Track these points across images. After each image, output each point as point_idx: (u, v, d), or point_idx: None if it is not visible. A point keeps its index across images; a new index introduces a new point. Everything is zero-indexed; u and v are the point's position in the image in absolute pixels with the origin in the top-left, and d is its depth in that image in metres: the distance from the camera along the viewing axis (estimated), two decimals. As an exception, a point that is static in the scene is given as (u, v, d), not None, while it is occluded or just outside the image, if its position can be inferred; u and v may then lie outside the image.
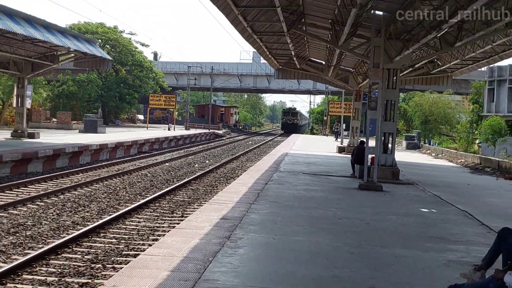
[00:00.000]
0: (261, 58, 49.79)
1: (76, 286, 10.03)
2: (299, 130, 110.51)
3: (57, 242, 12.58)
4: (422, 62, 30.78)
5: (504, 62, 45.41)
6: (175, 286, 7.45)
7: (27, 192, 19.65)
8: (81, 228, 14.25)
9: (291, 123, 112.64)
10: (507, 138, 48.86)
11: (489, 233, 12.07)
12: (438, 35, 20.94)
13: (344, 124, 55.13)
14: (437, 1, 18.62)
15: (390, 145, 23.06)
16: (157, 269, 8.20)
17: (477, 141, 53.81)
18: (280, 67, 44.14)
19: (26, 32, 29.21)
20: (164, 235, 11.96)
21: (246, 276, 8.12)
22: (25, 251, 12.13)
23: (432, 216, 14.87)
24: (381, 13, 21.78)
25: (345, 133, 52.40)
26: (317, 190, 18.61)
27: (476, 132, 55.73)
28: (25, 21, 30.09)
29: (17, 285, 9.86)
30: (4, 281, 9.99)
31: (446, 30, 20.05)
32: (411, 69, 33.03)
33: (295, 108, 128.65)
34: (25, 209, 16.69)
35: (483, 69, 48.79)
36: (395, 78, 22.65)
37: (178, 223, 13.80)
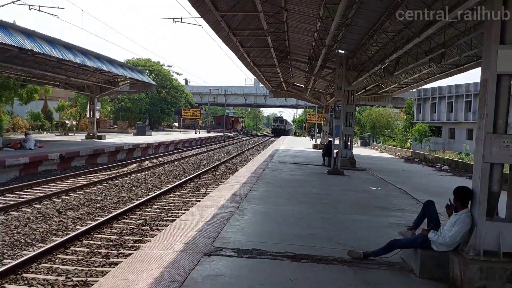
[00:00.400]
0: (260, 83, 49.76)
1: (131, 242, 10.09)
2: (286, 134, 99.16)
3: (118, 211, 12.65)
4: (371, 85, 30.94)
5: (428, 86, 45.96)
6: (201, 242, 7.51)
7: (97, 177, 19.73)
8: (135, 202, 14.29)
9: (279, 128, 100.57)
10: (429, 138, 51.65)
11: (418, 204, 12.12)
12: (382, 67, 21.00)
13: (317, 129, 55.46)
14: (381, 43, 18.65)
15: (349, 143, 23.30)
16: (188, 230, 8.27)
17: (409, 140, 54.40)
18: (273, 89, 44.31)
19: (96, 65, 29.27)
20: (192, 206, 12.02)
21: (249, 234, 8.23)
22: (96, 218, 12.19)
23: (378, 192, 14.93)
24: (342, 51, 21.83)
25: (318, 135, 52.41)
26: (299, 174, 18.71)
27: (408, 134, 56.38)
28: (96, 58, 30.14)
29: (92, 241, 9.92)
30: (82, 238, 10.05)
31: (387, 63, 20.10)
32: (363, 90, 33.16)
33: (282, 117, 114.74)
34: (96, 189, 16.74)
35: (413, 90, 49.02)
36: (352, 97, 22.82)
37: (202, 198, 13.83)
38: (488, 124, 5.80)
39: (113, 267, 7.56)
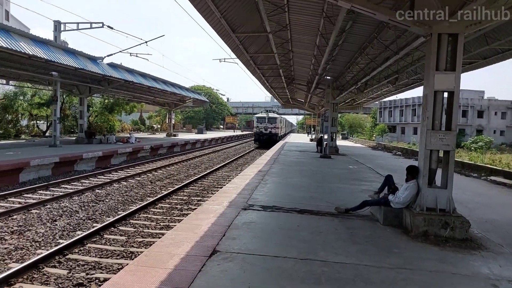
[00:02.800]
0: (274, 99, 49.40)
1: (196, 200, 10.16)
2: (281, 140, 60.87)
3: (187, 181, 12.76)
4: (349, 99, 30.43)
5: (386, 99, 45.35)
6: (239, 201, 7.50)
7: (173, 161, 19.92)
8: (197, 175, 14.41)
9: (268, 133, 34.44)
10: (388, 133, 50.78)
11: (380, 177, 11.86)
12: (356, 87, 20.64)
13: (312, 128, 55.01)
14: (356, 71, 18.33)
15: (334, 138, 22.90)
16: (231, 194, 8.27)
17: (374, 135, 53.49)
18: (283, 103, 43.88)
19: (172, 90, 29.50)
20: (233, 178, 12.02)
21: (270, 196, 8.16)
22: (173, 186, 12.32)
23: (354, 169, 14.67)
24: (329, 77, 21.50)
25: (313, 132, 51.92)
26: (301, 158, 18.49)
27: (373, 131, 55.71)
28: (171, 85, 30.37)
29: (171, 200, 10.02)
30: (166, 198, 10.16)
31: (359, 85, 19.75)
32: (343, 102, 32.65)
33: (274, 113, 43.12)
34: (173, 167, 16.93)
35: (376, 102, 48.23)
36: (336, 107, 22.46)
37: (239, 173, 13.86)
38: (428, 123, 5.67)
39: (185, 217, 7.64)
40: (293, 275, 3.98)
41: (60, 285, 4.88)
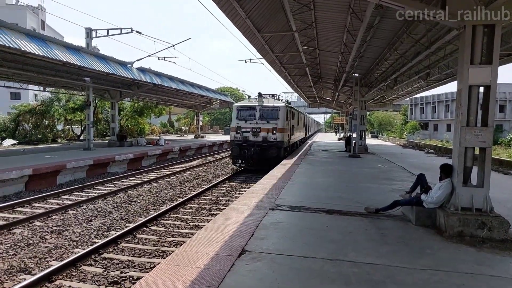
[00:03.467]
0: (300, 98, 49.05)
1: (224, 200, 10.28)
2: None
3: (215, 182, 12.93)
4: (377, 97, 29.65)
5: (417, 95, 44.09)
6: (267, 201, 7.53)
7: (201, 162, 20.23)
8: (225, 176, 14.56)
9: (261, 145, 15.43)
10: (419, 131, 49.41)
11: (412, 176, 11.52)
12: (385, 84, 20.13)
13: (340, 127, 54.24)
14: (384, 67, 17.90)
15: (363, 136, 22.43)
16: (258, 194, 8.31)
17: (405, 133, 52.06)
18: (310, 102, 43.59)
19: (199, 92, 30.03)
20: (260, 179, 12.06)
21: (297, 196, 8.13)
22: (202, 186, 12.53)
23: (384, 168, 14.32)
24: (357, 74, 21.09)
25: (341, 131, 51.16)
26: (328, 157, 18.27)
27: (404, 128, 54.22)
28: (198, 87, 30.89)
29: (200, 201, 10.19)
30: (195, 198, 10.35)
31: (389, 81, 19.27)
32: (372, 100, 31.87)
33: (277, 97, 17.75)
34: (201, 169, 17.20)
35: (407, 99, 46.84)
36: (365, 105, 21.96)
37: (267, 174, 13.88)
38: (463, 120, 5.45)
39: (213, 217, 7.77)
40: (322, 276, 3.96)
41: (96, 283, 5.11)
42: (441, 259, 4.51)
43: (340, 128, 54.90)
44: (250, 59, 22.62)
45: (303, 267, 4.17)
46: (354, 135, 19.41)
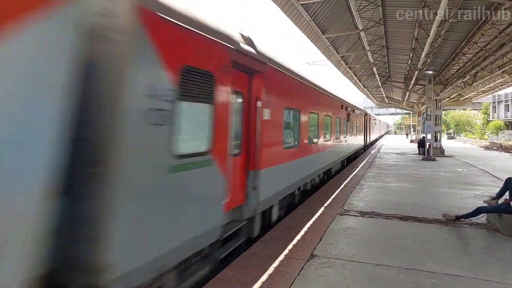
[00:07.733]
0: (367, 99, 47.27)
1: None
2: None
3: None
4: (454, 95, 27.39)
5: (501, 91, 40.01)
6: (335, 206, 7.44)
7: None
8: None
9: None
10: (504, 131, 46.33)
11: (498, 180, 10.48)
12: (463, 80, 18.56)
13: (412, 129, 51.22)
14: (462, 63, 16.51)
15: (438, 137, 20.88)
16: (324, 198, 8.19)
17: (487, 133, 47.62)
18: (377, 103, 41.94)
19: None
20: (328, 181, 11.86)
21: (367, 201, 7.88)
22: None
23: (464, 172, 13.18)
24: (430, 72, 19.74)
25: (413, 133, 48.30)
26: (400, 161, 17.33)
27: (486, 128, 49.77)
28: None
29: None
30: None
31: (467, 77, 17.73)
32: (448, 98, 29.47)
33: None
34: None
35: (488, 96, 42.75)
36: (439, 103, 20.46)
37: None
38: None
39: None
40: (397, 285, 3.79)
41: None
42: (538, 274, 4.03)
43: (412, 129, 51.75)
44: (313, 62, 22.53)
45: (376, 275, 4.03)
46: (428, 137, 18.16)
